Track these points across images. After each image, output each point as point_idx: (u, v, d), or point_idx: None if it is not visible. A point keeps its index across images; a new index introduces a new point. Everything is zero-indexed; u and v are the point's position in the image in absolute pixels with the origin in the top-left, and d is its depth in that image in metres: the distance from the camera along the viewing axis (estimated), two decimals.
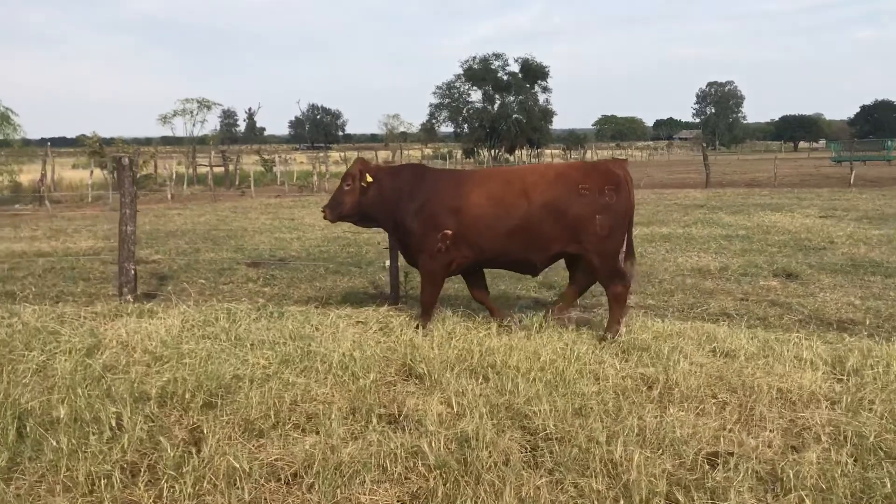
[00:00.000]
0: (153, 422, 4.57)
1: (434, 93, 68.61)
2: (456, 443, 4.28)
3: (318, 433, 4.53)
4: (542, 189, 6.69)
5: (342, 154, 57.23)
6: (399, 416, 4.82)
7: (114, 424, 4.47)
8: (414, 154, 61.66)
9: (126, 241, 8.05)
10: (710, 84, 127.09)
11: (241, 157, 38.34)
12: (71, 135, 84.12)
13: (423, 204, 6.84)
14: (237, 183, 33.85)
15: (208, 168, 32.36)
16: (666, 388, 5.15)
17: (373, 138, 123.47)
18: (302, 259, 11.68)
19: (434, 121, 70.36)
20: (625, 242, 6.77)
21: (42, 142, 31.33)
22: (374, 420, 4.63)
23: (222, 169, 33.77)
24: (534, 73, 68.25)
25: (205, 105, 36.61)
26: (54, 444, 4.14)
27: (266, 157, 39.83)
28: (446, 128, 73.11)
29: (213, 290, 9.29)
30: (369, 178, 6.97)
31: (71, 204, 26.01)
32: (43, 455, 4.12)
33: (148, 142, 41.33)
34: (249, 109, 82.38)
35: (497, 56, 68.36)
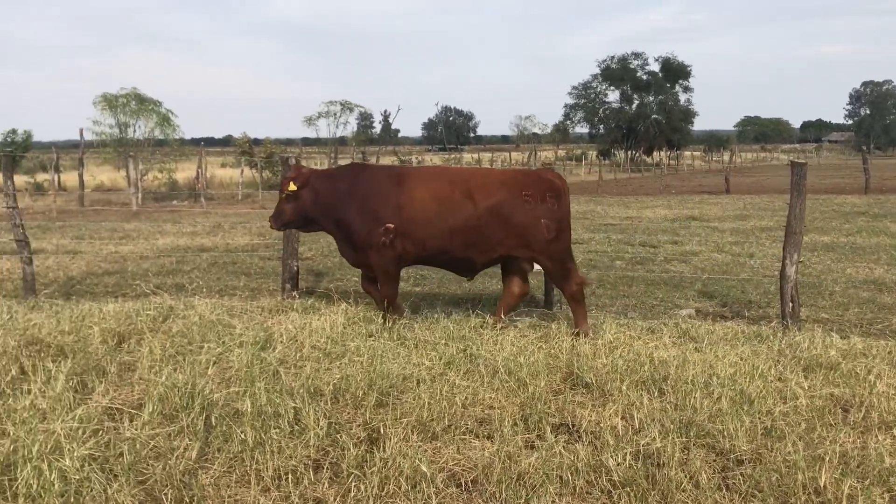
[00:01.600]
0: (330, 418, 4.63)
1: (570, 93, 67.86)
2: (639, 459, 4.10)
3: (490, 439, 4.47)
4: (487, 193, 6.87)
5: (474, 155, 57.61)
6: (572, 426, 4.69)
7: (292, 419, 4.57)
8: (547, 155, 61.18)
9: (290, 240, 8.30)
10: (865, 84, 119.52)
11: (379, 158, 39.29)
12: (218, 135, 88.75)
13: (363, 201, 6.97)
14: None
15: None
16: (864, 411, 4.76)
17: (504, 139, 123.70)
18: None
19: (568, 121, 69.55)
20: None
21: (194, 142, 33.10)
22: (547, 429, 4.52)
23: None
24: (675, 72, 66.21)
25: (347, 107, 37.71)
26: (241, 436, 4.25)
27: (402, 157, 40.62)
28: (581, 129, 72.18)
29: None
30: (292, 187, 7.11)
31: (222, 201, 27.34)
32: (228, 447, 4.24)
33: (289, 142, 42.85)
34: (385, 111, 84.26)
35: (636, 55, 66.87)
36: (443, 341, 6.27)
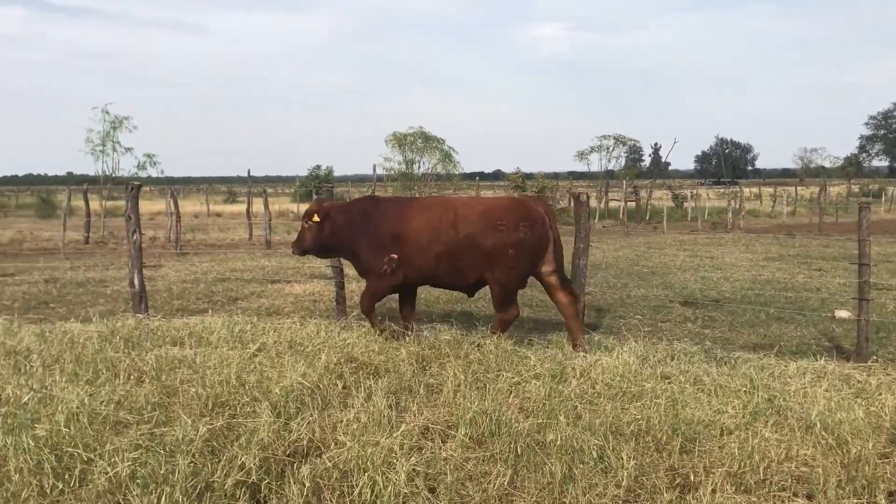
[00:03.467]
0: (633, 459, 4.58)
1: (866, 123, 61.97)
2: None
3: (811, 499, 4.16)
4: (468, 222, 7.41)
5: (753, 189, 54.42)
6: None
7: (596, 456, 4.57)
8: (838, 191, 56.07)
9: (578, 274, 8.39)
10: None
11: (651, 192, 38.53)
12: (487, 169, 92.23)
13: (373, 232, 7.69)
14: (647, 218, 33.97)
15: (619, 202, 33.02)
16: None
17: (784, 173, 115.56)
18: (737, 301, 11.14)
19: (864, 154, 63.39)
20: (555, 268, 7.59)
21: (466, 176, 34.75)
22: (881, 496, 4.11)
23: (631, 203, 34.20)
24: None
25: (620, 141, 37.47)
26: (551, 468, 4.33)
27: (677, 192, 39.49)
28: (879, 161, 65.42)
29: (652, 328, 9.26)
30: (316, 218, 7.90)
31: None
32: (536, 477, 4.34)
33: (555, 176, 43.42)
34: (655, 144, 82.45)
35: None
36: (744, 389, 5.98)
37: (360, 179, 48.61)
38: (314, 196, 29.94)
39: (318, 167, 29.07)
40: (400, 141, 28.56)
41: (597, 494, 4.08)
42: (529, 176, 34.53)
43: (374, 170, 29.76)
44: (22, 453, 4.31)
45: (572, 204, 34.82)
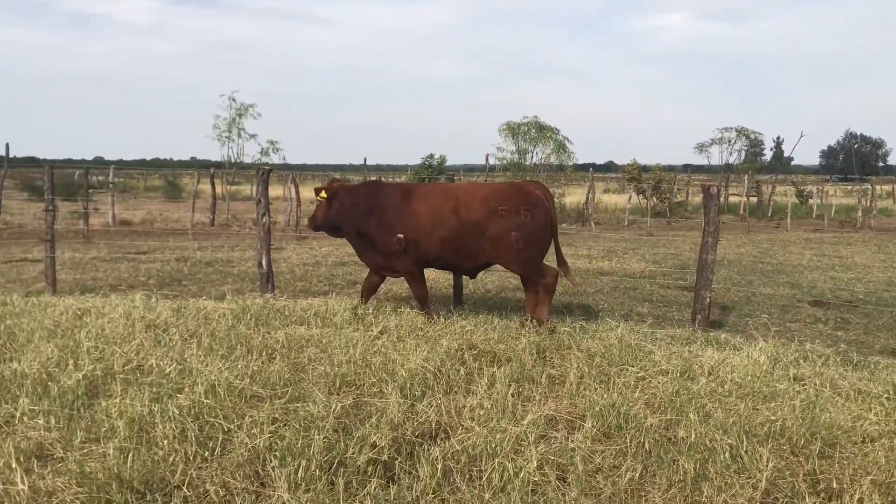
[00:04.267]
0: (769, 462, 4.40)
1: None
2: None
3: None
4: (469, 208, 7.74)
5: (885, 187, 51.42)
6: None
7: (727, 456, 4.42)
8: None
9: (705, 269, 8.14)
10: None
11: (774, 188, 36.93)
12: (599, 161, 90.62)
13: (380, 215, 8.02)
14: (769, 214, 32.62)
15: (740, 198, 31.85)
16: None
17: None
18: (872, 303, 10.54)
19: None
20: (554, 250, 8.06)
21: (578, 167, 34.23)
22: None
23: (752, 199, 32.89)
24: None
25: (742, 134, 36.03)
26: (684, 466, 4.23)
27: (801, 188, 37.72)
28: None
29: (780, 328, 8.88)
30: (323, 195, 8.30)
31: (608, 226, 27.83)
32: (667, 473, 4.24)
33: (670, 169, 42.23)
34: (778, 138, 78.89)
35: None
36: (885, 395, 5.66)
37: (469, 169, 48.77)
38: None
39: (431, 156, 29.10)
40: (513, 130, 28.38)
41: (732, 495, 3.95)
42: (645, 168, 33.71)
43: (487, 159, 29.78)
44: (168, 421, 4.54)
45: (688, 196, 33.84)
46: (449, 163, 31.30)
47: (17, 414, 4.78)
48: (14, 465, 4.02)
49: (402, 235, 7.87)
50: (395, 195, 8.14)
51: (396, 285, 11.32)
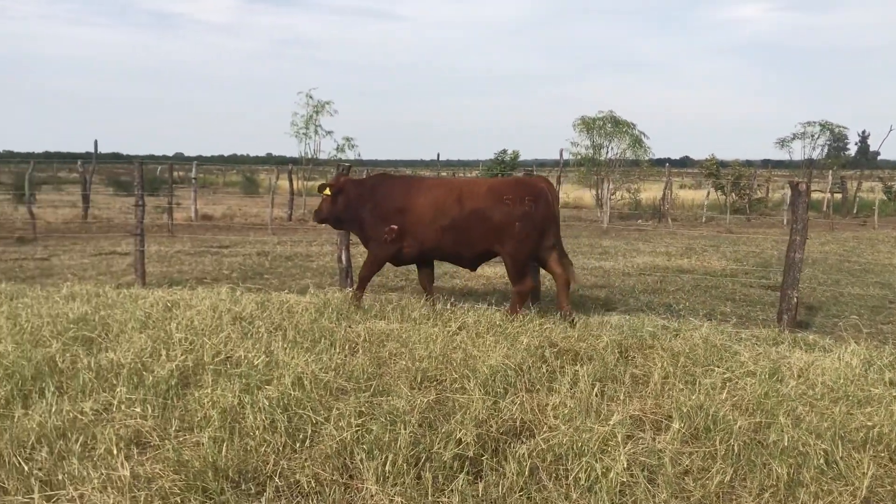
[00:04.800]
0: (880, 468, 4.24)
1: None
2: None
3: None
4: (474, 199, 7.95)
5: None
6: None
7: (821, 462, 4.28)
8: None
9: (792, 268, 7.90)
10: None
11: (861, 184, 35.55)
12: (675, 156, 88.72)
13: (377, 204, 8.30)
14: (855, 211, 31.43)
15: (823, 194, 30.78)
16: None
17: None
18: None
19: None
20: (554, 243, 8.09)
21: (653, 163, 33.56)
22: None
23: (835, 195, 31.70)
24: None
25: (826, 128, 34.77)
26: (775, 470, 4.12)
27: (890, 184, 36.17)
28: None
29: (872, 329, 8.56)
30: (327, 191, 8.62)
31: (685, 222, 27.25)
32: (756, 477, 4.14)
33: (749, 164, 41.03)
34: (864, 132, 75.87)
35: None
36: None
37: (540, 164, 48.38)
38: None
39: (504, 151, 29.01)
40: (588, 125, 28.06)
41: (830, 502, 3.83)
42: (724, 164, 32.86)
43: (561, 154, 29.52)
44: (258, 412, 4.66)
45: (768, 193, 32.86)
46: (522, 158, 31.17)
47: (115, 402, 4.97)
48: (115, 452, 4.18)
49: (395, 227, 8.16)
50: (398, 186, 8.44)
51: (472, 281, 11.34)
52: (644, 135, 28.32)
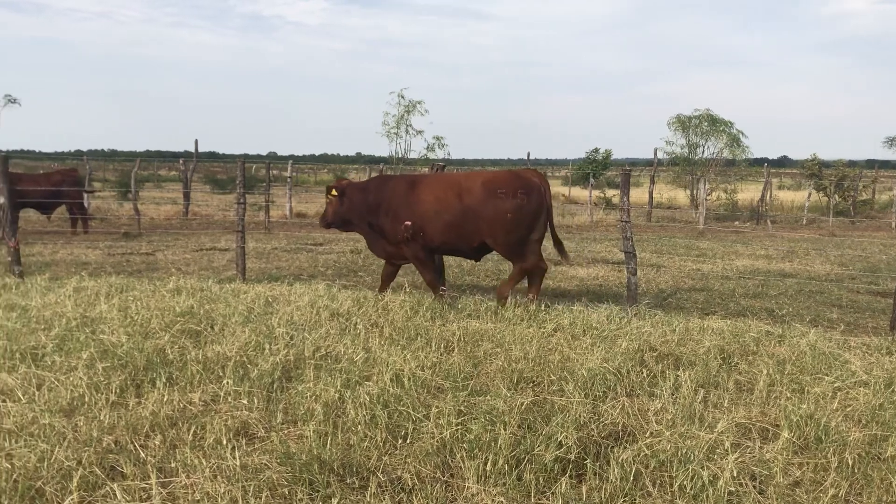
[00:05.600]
0: None
1: None
2: None
3: None
4: (471, 193, 8.27)
5: None
6: None
7: None
8: None
9: None
10: None
11: None
12: (772, 155, 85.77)
13: (387, 206, 8.58)
14: None
15: None
16: None
17: None
18: None
19: None
20: (540, 237, 8.50)
21: (751, 162, 32.43)
22: None
23: None
24: None
25: None
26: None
27: None
28: None
29: None
30: (333, 193, 8.86)
31: (785, 224, 26.30)
32: (874, 492, 3.95)
33: (852, 164, 39.20)
34: None
35: None
36: None
37: (632, 163, 47.55)
38: (590, 180, 29.71)
39: (596, 150, 28.75)
40: (683, 124, 27.43)
41: None
42: (826, 164, 31.55)
43: (655, 153, 28.94)
44: (359, 407, 4.73)
45: (874, 194, 31.31)
46: (614, 157, 30.71)
47: (222, 394, 5.13)
48: (224, 442, 4.32)
49: (409, 223, 8.41)
50: (401, 186, 8.71)
51: (565, 282, 11.24)
52: (742, 133, 27.48)
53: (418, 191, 8.54)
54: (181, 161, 22.74)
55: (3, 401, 4.96)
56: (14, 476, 3.78)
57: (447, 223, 8.35)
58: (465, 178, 8.71)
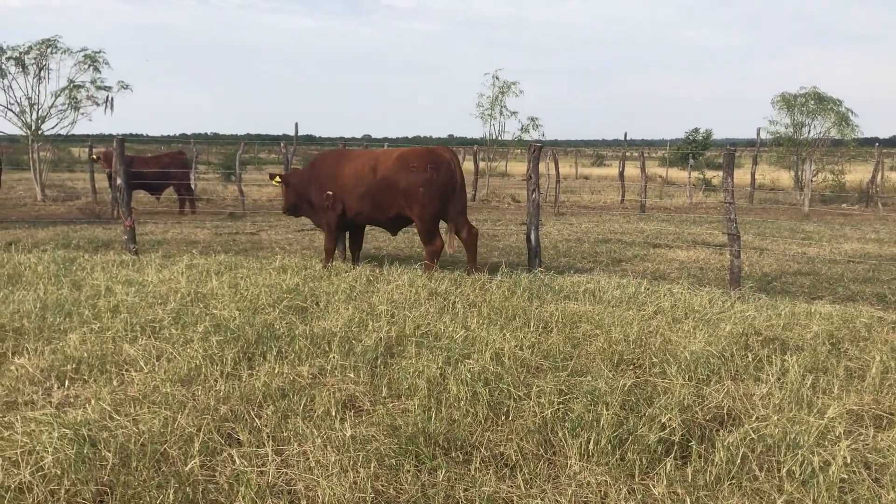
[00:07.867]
0: None
1: None
2: None
3: None
4: (384, 166, 8.97)
5: None
6: None
7: None
8: None
9: None
10: None
11: None
12: (883, 135, 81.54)
13: (317, 177, 9.53)
14: None
15: None
16: None
17: None
18: None
19: None
20: (461, 209, 9.22)
21: (864, 142, 30.88)
22: None
23: None
24: None
25: None
26: None
27: None
28: None
29: None
30: (276, 180, 10.03)
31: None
32: None
33: None
34: None
35: None
36: None
37: (733, 143, 45.95)
38: (690, 160, 28.93)
39: (696, 130, 27.94)
40: (788, 103, 26.28)
41: None
42: None
43: (758, 133, 27.93)
44: (461, 384, 4.82)
45: None
46: (717, 136, 29.77)
47: (329, 367, 5.31)
48: (333, 413, 4.49)
49: (330, 192, 9.30)
50: (329, 160, 9.65)
51: (664, 265, 11.04)
52: (852, 112, 26.15)
53: (342, 164, 9.39)
54: (282, 144, 23.36)
55: (128, 370, 5.29)
56: (141, 440, 4.04)
57: (362, 194, 9.15)
58: (383, 153, 9.48)
